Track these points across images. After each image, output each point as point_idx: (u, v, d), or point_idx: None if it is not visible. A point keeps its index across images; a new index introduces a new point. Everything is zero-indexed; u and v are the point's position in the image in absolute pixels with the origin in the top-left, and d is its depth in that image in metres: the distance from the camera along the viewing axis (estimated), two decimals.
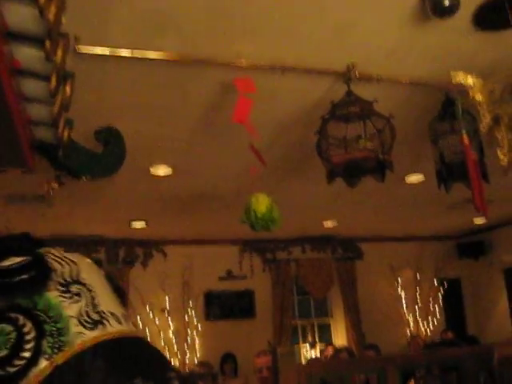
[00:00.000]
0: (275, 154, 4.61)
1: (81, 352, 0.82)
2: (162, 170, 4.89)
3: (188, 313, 7.96)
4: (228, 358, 7.73)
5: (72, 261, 0.93)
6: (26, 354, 0.80)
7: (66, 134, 2.49)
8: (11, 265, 0.87)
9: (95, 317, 0.87)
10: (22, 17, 1.72)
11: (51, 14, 1.62)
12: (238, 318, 8.28)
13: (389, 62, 3.26)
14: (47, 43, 1.71)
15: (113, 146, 3.08)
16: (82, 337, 0.83)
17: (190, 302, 7.98)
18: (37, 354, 0.80)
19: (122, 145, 3.11)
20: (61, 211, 6.11)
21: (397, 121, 3.31)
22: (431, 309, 9.22)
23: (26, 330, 0.81)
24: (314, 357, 8.43)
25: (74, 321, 0.85)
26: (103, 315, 0.88)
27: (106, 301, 0.92)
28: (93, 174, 3.01)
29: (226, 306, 8.26)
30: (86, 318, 0.86)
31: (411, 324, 9.08)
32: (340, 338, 8.90)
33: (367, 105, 3.09)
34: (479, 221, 8.23)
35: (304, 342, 8.83)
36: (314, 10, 2.74)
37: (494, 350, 2.96)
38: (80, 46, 2.74)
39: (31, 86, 2.14)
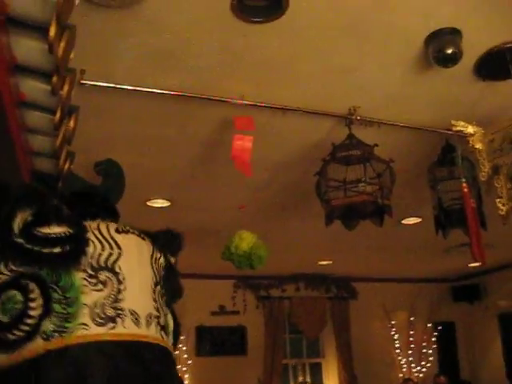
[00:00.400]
0: (273, 191, 4.62)
1: (76, 344, 0.79)
2: (159, 203, 4.89)
3: (178, 347, 7.86)
4: None
5: (117, 245, 0.90)
6: (25, 328, 0.79)
7: (66, 165, 2.49)
8: (48, 234, 0.83)
9: (110, 312, 0.83)
10: (30, 51, 1.73)
11: (60, 49, 1.64)
12: (228, 355, 8.16)
13: (390, 107, 3.29)
14: (54, 78, 1.72)
15: (112, 179, 3.07)
16: (84, 330, 0.80)
17: (182, 337, 7.88)
18: (34, 331, 0.79)
19: (121, 178, 3.10)
20: None
21: (396, 164, 3.33)
22: (424, 352, 9.12)
23: (33, 305, 0.80)
24: None
25: (86, 310, 0.81)
26: (120, 312, 0.84)
27: (135, 296, 0.87)
28: None
29: (217, 342, 8.16)
30: (99, 310, 0.82)
31: (404, 367, 8.96)
32: (331, 380, 8.76)
33: (368, 148, 3.11)
34: (475, 264, 8.20)
35: (295, 381, 8.69)
36: (318, 53, 2.78)
37: None
38: (84, 79, 2.76)
39: (35, 118, 2.15)
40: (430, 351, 9.16)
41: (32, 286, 0.80)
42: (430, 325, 9.19)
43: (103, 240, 0.88)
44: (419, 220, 5.62)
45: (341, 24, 2.57)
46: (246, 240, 3.19)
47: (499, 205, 2.77)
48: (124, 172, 3.29)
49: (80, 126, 2.52)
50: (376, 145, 3.21)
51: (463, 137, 3.06)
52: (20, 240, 0.81)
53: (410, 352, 9.05)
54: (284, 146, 3.79)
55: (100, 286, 0.83)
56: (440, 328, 9.21)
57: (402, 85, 3.10)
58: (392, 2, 2.44)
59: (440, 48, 2.60)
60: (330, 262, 7.83)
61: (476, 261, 3.03)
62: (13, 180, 2.51)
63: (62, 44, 1.62)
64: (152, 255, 0.95)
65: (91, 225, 0.88)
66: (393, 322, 8.98)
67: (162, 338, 0.88)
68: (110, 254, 0.87)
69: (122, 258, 0.88)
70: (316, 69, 2.91)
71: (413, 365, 9.01)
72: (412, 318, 9.09)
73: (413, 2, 2.45)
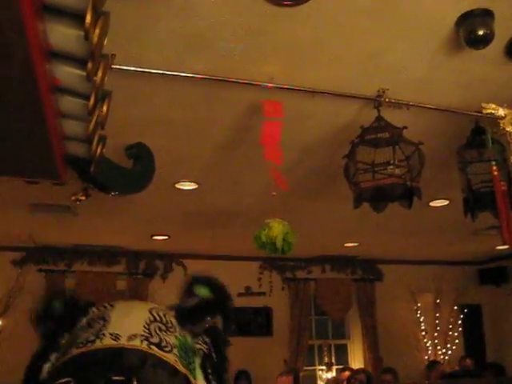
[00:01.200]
0: (300, 174, 4.62)
1: (56, 366, 0.91)
2: (187, 186, 4.94)
3: None
4: (242, 375, 7.69)
5: (111, 304, 1.00)
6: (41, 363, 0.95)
7: (99, 150, 2.53)
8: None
9: (91, 338, 0.91)
10: (65, 37, 1.76)
11: (95, 36, 1.66)
12: (254, 335, 8.24)
13: (419, 89, 3.27)
14: (89, 64, 1.75)
15: (142, 162, 3.11)
16: (68, 355, 0.90)
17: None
18: (39, 373, 0.94)
19: (151, 161, 3.14)
20: (85, 222, 6.19)
21: (425, 146, 3.30)
22: (450, 334, 9.10)
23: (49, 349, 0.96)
24: (330, 377, 8.35)
25: (74, 345, 0.91)
26: (99, 336, 0.91)
27: (119, 325, 0.94)
28: (122, 190, 3.05)
29: (243, 323, 8.23)
30: (83, 340, 0.90)
31: (429, 349, 8.96)
32: (357, 360, 8.81)
33: (397, 131, 3.10)
34: (502, 247, 8.13)
35: (320, 362, 8.75)
36: (347, 35, 2.77)
37: None
38: (114, 64, 2.79)
39: (69, 103, 2.18)
40: (456, 334, 9.13)
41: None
42: (456, 307, 9.14)
43: (100, 307, 1.01)
44: (447, 202, 5.58)
45: (369, 7, 2.55)
46: (275, 229, 3.22)
47: None
48: (154, 155, 3.34)
49: (110, 111, 2.56)
50: (405, 127, 3.19)
51: (494, 119, 3.03)
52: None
53: (436, 334, 9.03)
54: (312, 128, 3.79)
55: (89, 329, 0.94)
56: (466, 311, 9.16)
57: (432, 66, 3.07)
58: None
59: (471, 30, 2.57)
60: (356, 244, 7.83)
61: (506, 244, 3.02)
62: (45, 165, 2.57)
63: (97, 31, 1.65)
64: (153, 308, 1.04)
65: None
66: (418, 305, 8.96)
67: (149, 347, 0.92)
68: (103, 311, 0.99)
69: (113, 311, 0.98)
70: (344, 51, 2.90)
71: (438, 347, 9.00)
72: (438, 301, 9.04)
73: None
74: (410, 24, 2.69)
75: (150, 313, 1.00)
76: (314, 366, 8.77)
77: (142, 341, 0.92)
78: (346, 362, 8.87)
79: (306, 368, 8.40)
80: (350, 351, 9.07)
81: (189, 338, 1.01)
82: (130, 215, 5.95)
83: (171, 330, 0.99)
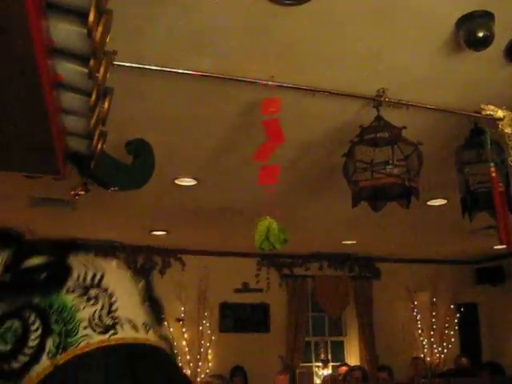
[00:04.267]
0: (298, 171, 4.64)
1: (81, 354, 0.82)
2: (186, 182, 4.95)
3: (203, 323, 7.99)
4: (238, 371, 7.73)
5: (100, 266, 0.94)
6: (29, 351, 0.82)
7: (99, 146, 2.54)
8: (32, 265, 0.89)
9: (108, 321, 0.86)
10: (68, 35, 1.77)
11: (98, 33, 1.67)
12: (251, 331, 8.28)
13: (419, 89, 3.28)
14: (91, 61, 1.76)
15: (143, 158, 3.12)
16: (88, 339, 0.83)
17: (205, 313, 8.01)
18: (40, 351, 0.82)
19: (151, 157, 3.15)
20: (83, 216, 6.20)
21: (423, 146, 3.32)
22: (446, 333, 9.13)
23: (33, 327, 0.83)
24: (327, 374, 8.39)
25: (85, 323, 0.84)
26: (117, 320, 0.87)
27: (127, 307, 0.90)
28: (122, 186, 3.05)
29: (240, 319, 8.27)
30: (97, 321, 0.85)
31: (425, 348, 8.99)
32: (353, 358, 8.85)
33: (396, 131, 3.11)
34: (499, 247, 8.15)
35: (316, 359, 8.79)
36: (347, 36, 2.78)
37: None
38: (116, 60, 2.80)
39: (70, 100, 2.19)
40: (452, 332, 9.17)
41: (28, 311, 0.85)
42: (452, 306, 9.20)
43: (85, 263, 0.93)
44: (445, 201, 5.61)
45: (370, 7, 2.56)
46: (262, 225, 3.26)
47: None
48: (154, 151, 3.35)
49: (111, 106, 2.57)
50: (404, 127, 3.20)
51: (492, 120, 3.05)
52: (5, 278, 0.87)
53: (432, 333, 9.07)
54: (311, 126, 3.80)
55: (92, 301, 0.87)
56: (462, 310, 9.21)
57: (431, 67, 3.08)
58: None
59: (471, 31, 2.58)
60: (354, 242, 7.86)
61: (503, 244, 3.03)
62: (46, 160, 2.58)
63: (100, 28, 1.66)
64: (133, 277, 1.00)
65: (70, 255, 0.94)
66: (415, 303, 9.00)
67: (160, 340, 0.92)
68: (95, 274, 0.91)
69: (106, 275, 0.92)
70: (345, 51, 2.91)
71: (434, 346, 9.04)
72: (434, 299, 9.09)
73: None
74: (410, 24, 2.70)
75: (136, 286, 0.99)
76: (311, 362, 8.81)
77: (155, 335, 0.91)
78: (343, 359, 8.91)
79: (302, 364, 8.43)
80: (346, 348, 9.11)
81: None
82: (129, 210, 5.96)
83: (147, 304, 0.98)
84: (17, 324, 0.84)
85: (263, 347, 8.11)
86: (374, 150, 3.12)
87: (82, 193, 5.09)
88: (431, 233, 7.25)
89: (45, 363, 0.82)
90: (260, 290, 8.45)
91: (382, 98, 3.17)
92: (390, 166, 3.03)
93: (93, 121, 2.26)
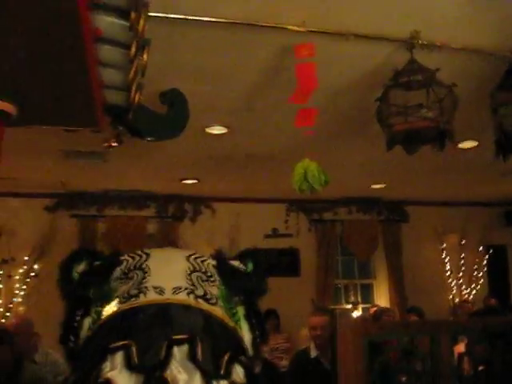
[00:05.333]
0: (329, 116, 4.62)
1: (102, 323, 0.89)
2: (216, 130, 4.98)
3: None
4: (271, 314, 7.90)
5: (146, 253, 0.97)
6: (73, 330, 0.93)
7: (137, 97, 2.57)
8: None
9: (133, 292, 0.88)
10: None
11: None
12: (282, 276, 8.42)
13: (453, 30, 3.22)
14: (132, 14, 1.79)
15: (177, 108, 3.15)
16: (111, 310, 0.89)
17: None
18: (79, 328, 0.92)
19: (185, 107, 3.17)
20: (115, 168, 6.30)
21: (457, 88, 3.29)
22: (475, 275, 9.18)
23: (78, 311, 0.93)
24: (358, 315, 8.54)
25: (116, 299, 0.89)
26: (143, 289, 0.88)
27: (160, 277, 0.91)
28: (158, 136, 3.10)
29: (270, 263, 8.40)
30: (125, 294, 0.89)
31: (454, 289, 9.07)
32: (382, 300, 8.97)
33: (430, 73, 3.08)
34: None
35: (346, 301, 8.95)
36: None
37: None
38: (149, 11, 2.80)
39: (109, 53, 2.22)
40: (481, 274, 9.22)
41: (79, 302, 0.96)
42: (481, 248, 9.20)
43: (133, 254, 0.97)
44: (476, 144, 5.56)
45: None
46: (300, 167, 3.29)
47: None
48: (188, 101, 3.37)
49: None
50: (438, 69, 3.17)
51: None
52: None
53: (461, 275, 9.13)
54: (343, 71, 3.77)
55: (128, 281, 0.92)
56: (491, 251, 9.22)
57: (466, 6, 3.01)
58: None
59: None
60: (383, 186, 7.85)
61: None
62: (86, 113, 2.63)
63: None
64: (190, 255, 1.01)
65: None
66: (444, 245, 9.03)
67: (196, 301, 0.89)
68: (139, 260, 0.94)
69: (150, 260, 0.95)
70: None
71: (463, 287, 9.11)
72: (463, 242, 9.10)
73: None
74: None
75: (189, 261, 0.97)
76: (341, 305, 8.97)
77: (188, 294, 0.89)
78: (372, 301, 9.05)
79: (331, 307, 8.59)
80: (375, 291, 9.24)
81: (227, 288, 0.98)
82: (160, 160, 6.04)
83: (211, 279, 0.96)
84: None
85: (294, 291, 8.25)
86: (408, 94, 3.11)
87: (115, 144, 5.16)
88: (461, 175, 7.20)
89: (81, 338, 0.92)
90: (290, 235, 8.54)
91: (416, 41, 3.13)
92: (425, 109, 3.01)
93: (131, 73, 2.30)
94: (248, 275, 1.05)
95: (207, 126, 4.89)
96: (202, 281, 0.94)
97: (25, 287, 7.26)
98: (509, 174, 6.64)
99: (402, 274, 8.84)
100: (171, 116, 3.20)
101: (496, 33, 3.29)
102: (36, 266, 7.33)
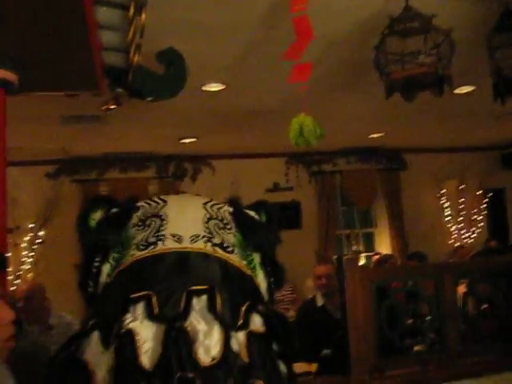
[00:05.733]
0: (326, 67, 4.61)
1: (121, 270, 0.89)
2: (213, 88, 4.98)
3: None
4: None
5: (163, 200, 0.98)
6: (91, 275, 0.93)
7: (136, 58, 2.59)
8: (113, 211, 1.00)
9: (152, 239, 0.89)
10: None
11: None
12: (284, 229, 8.49)
13: None
14: None
15: (175, 67, 3.16)
16: (130, 257, 0.89)
17: None
18: (98, 274, 0.93)
19: (183, 65, 3.18)
20: (114, 130, 6.31)
21: (453, 33, 3.28)
22: (474, 219, 9.28)
23: (96, 258, 0.93)
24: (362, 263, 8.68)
25: (134, 246, 0.90)
26: (161, 237, 0.89)
27: (178, 225, 0.92)
28: (157, 96, 3.12)
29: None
30: (143, 242, 0.89)
31: (454, 233, 9.18)
32: (384, 248, 9.10)
33: (426, 19, 3.08)
34: None
35: (349, 251, 9.08)
36: None
37: None
38: None
39: (107, 14, 2.23)
40: (480, 218, 9.32)
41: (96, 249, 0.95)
42: (480, 192, 9.28)
43: (149, 201, 0.97)
44: (472, 88, 5.56)
45: None
46: (295, 122, 3.31)
47: None
48: (185, 59, 3.37)
49: None
50: (434, 15, 3.16)
51: None
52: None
53: (461, 219, 9.23)
54: (338, 20, 3.75)
55: (145, 228, 0.92)
56: (490, 195, 9.30)
57: None
58: None
59: None
60: (381, 135, 7.86)
61: None
62: (86, 77, 2.64)
63: None
64: (207, 202, 1.02)
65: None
66: (443, 191, 9.10)
67: (214, 250, 0.90)
68: (156, 207, 0.94)
69: (167, 207, 0.94)
70: None
71: (463, 231, 9.23)
72: (462, 186, 9.17)
73: None
74: None
75: (205, 208, 0.97)
76: (343, 254, 9.11)
77: (205, 242, 0.90)
78: (374, 249, 9.19)
79: (335, 257, 8.70)
80: (376, 239, 9.37)
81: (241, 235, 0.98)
82: (158, 120, 6.03)
83: (228, 227, 0.96)
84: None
85: (297, 243, 8.34)
86: (405, 41, 3.11)
87: (114, 107, 5.16)
88: (458, 121, 7.21)
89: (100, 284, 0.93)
90: (290, 189, 8.61)
91: None
92: (422, 56, 3.02)
93: (130, 34, 2.31)
94: (266, 225, 1.06)
95: (204, 84, 4.88)
96: (219, 228, 0.94)
97: (32, 254, 7.35)
98: (504, 116, 6.65)
99: (402, 221, 8.95)
100: (170, 75, 3.21)
101: None
102: (41, 233, 7.41)
